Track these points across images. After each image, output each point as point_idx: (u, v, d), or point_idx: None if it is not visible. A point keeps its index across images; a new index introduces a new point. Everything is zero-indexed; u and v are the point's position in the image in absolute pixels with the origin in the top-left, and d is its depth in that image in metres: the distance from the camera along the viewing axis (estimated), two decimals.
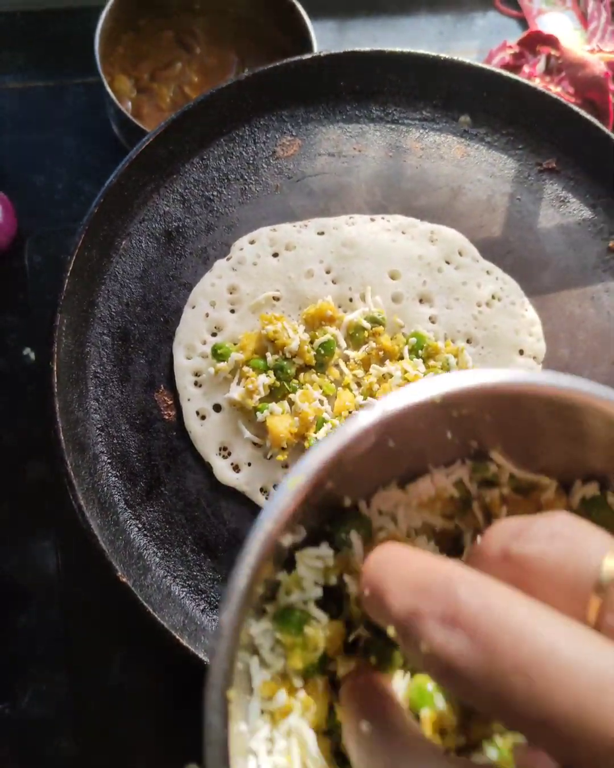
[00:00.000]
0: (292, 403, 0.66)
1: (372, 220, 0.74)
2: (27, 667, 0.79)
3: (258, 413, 0.66)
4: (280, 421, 0.65)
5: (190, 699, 0.72)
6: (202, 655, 0.60)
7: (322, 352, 0.66)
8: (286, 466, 0.68)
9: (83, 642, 0.76)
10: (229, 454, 0.68)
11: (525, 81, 0.77)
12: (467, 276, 0.73)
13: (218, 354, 0.67)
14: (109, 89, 0.90)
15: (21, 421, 0.89)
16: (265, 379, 0.66)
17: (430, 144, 0.78)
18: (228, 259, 0.71)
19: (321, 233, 0.73)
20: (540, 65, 1.05)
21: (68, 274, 0.66)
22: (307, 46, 0.92)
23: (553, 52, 1.05)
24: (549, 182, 0.78)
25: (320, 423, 0.66)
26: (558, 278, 0.76)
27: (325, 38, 0.87)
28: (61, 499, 0.80)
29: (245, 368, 0.66)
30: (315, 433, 0.66)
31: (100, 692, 0.74)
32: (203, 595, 0.64)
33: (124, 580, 0.60)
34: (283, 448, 0.67)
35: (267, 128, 0.76)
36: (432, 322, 0.71)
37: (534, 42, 1.06)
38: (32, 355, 0.91)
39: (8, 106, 1.03)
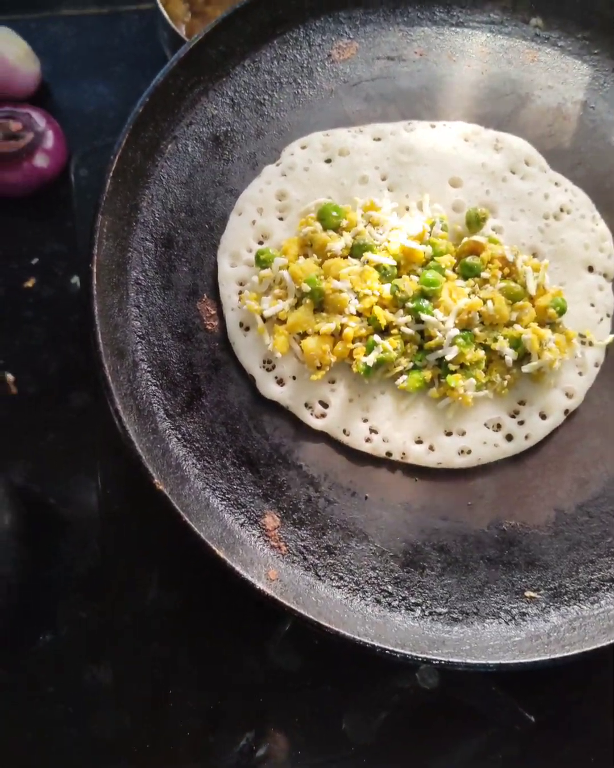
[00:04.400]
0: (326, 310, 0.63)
1: (433, 126, 0.69)
2: (67, 596, 0.78)
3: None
4: (315, 340, 0.62)
5: (226, 618, 0.69)
6: (238, 569, 0.57)
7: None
8: (332, 381, 0.64)
9: (119, 563, 0.74)
10: (273, 367, 0.64)
11: None
12: (533, 187, 0.68)
13: (261, 260, 0.64)
14: (163, 11, 0.87)
15: (66, 350, 0.87)
16: (307, 287, 0.62)
17: (497, 48, 0.73)
18: (277, 165, 0.68)
19: (378, 139, 0.68)
20: None
21: (110, 175, 0.63)
22: None
23: None
24: None
25: (370, 346, 0.62)
26: None
27: None
28: (103, 423, 0.78)
29: (282, 272, 0.62)
30: (365, 356, 0.62)
31: (135, 614, 0.72)
32: (243, 509, 0.61)
33: (161, 487, 0.58)
34: (318, 368, 0.63)
35: (322, 30, 0.71)
36: (496, 234, 0.66)
37: None
38: (79, 284, 0.89)
39: (61, 34, 1.01)
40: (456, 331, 0.62)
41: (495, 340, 0.62)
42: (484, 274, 0.63)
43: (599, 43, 0.72)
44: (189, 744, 0.69)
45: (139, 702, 0.71)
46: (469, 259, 0.64)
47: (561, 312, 0.63)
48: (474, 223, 0.65)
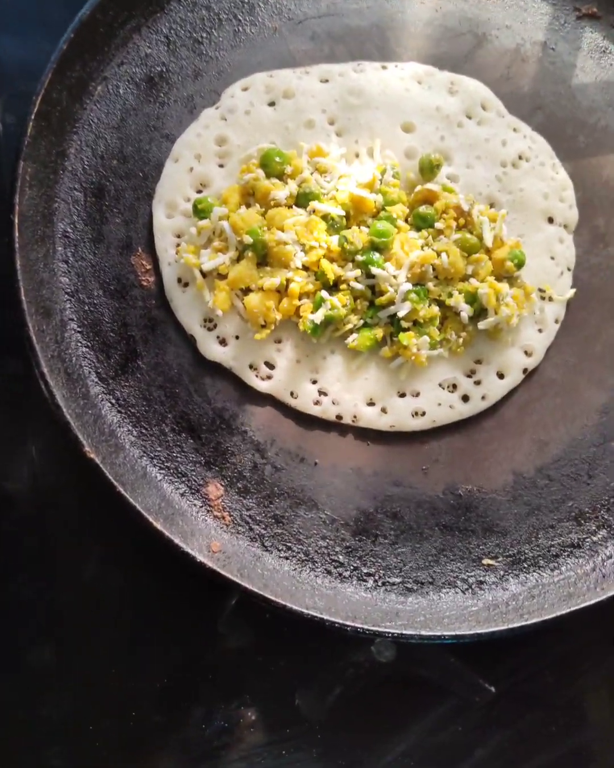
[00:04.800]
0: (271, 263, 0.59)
1: (384, 67, 0.64)
2: (8, 577, 0.74)
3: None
4: (259, 297, 0.58)
5: (173, 592, 0.65)
6: (178, 541, 0.53)
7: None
8: (278, 341, 0.60)
9: (60, 538, 0.70)
10: (215, 326, 0.60)
11: None
12: (490, 132, 0.64)
13: (199, 210, 0.59)
14: None
15: None
16: (248, 239, 0.57)
17: None
18: (217, 108, 0.63)
19: (326, 81, 0.64)
20: None
21: (32, 118, 0.58)
22: None
23: None
24: (588, 31, 0.68)
25: (318, 302, 0.58)
26: (596, 139, 0.66)
27: None
28: (35, 389, 0.73)
29: (222, 223, 0.58)
30: (312, 313, 0.58)
31: (78, 591, 0.68)
32: (183, 478, 0.57)
33: (92, 456, 0.54)
34: (263, 326, 0.59)
35: None
36: (451, 182, 0.62)
37: None
38: None
39: None
40: (409, 286, 0.58)
41: (450, 295, 0.59)
42: (438, 225, 0.60)
43: None
44: (135, 724, 0.65)
45: (82, 682, 0.68)
46: (423, 209, 0.60)
47: (519, 265, 0.60)
48: (428, 170, 0.61)
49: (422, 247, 0.59)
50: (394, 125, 0.63)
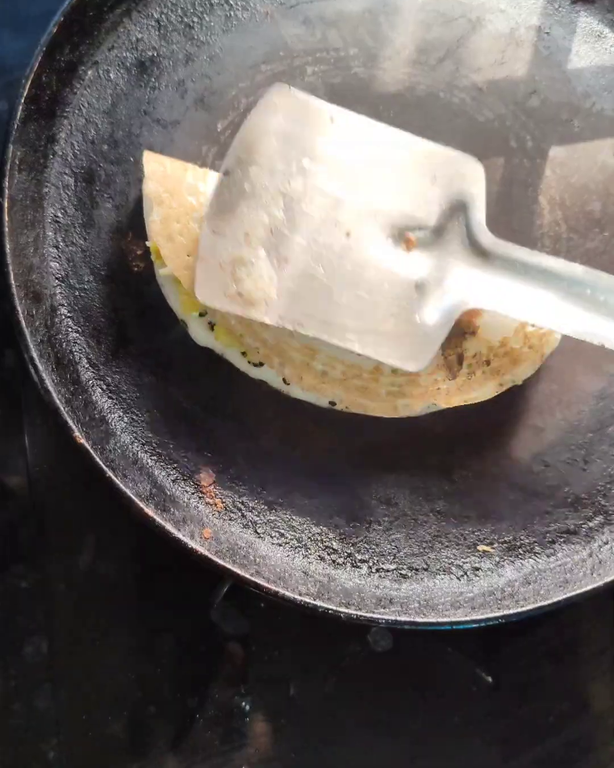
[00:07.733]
0: None
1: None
2: (7, 566, 0.73)
3: None
4: None
5: (165, 583, 0.65)
6: (169, 527, 0.53)
7: None
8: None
9: (56, 528, 0.69)
10: (206, 311, 0.59)
11: None
12: None
13: None
14: None
15: None
16: None
17: None
18: None
19: None
20: None
21: (22, 101, 0.57)
22: None
23: None
24: (584, 14, 0.68)
25: None
26: (591, 124, 0.66)
27: None
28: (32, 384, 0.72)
29: None
30: None
31: (71, 581, 0.67)
32: (175, 465, 0.57)
33: (82, 441, 0.53)
34: None
35: None
36: None
37: None
38: None
39: None
40: None
41: None
42: None
43: None
44: (129, 713, 0.65)
45: (73, 674, 0.67)
46: None
47: None
48: None
49: None
50: None
